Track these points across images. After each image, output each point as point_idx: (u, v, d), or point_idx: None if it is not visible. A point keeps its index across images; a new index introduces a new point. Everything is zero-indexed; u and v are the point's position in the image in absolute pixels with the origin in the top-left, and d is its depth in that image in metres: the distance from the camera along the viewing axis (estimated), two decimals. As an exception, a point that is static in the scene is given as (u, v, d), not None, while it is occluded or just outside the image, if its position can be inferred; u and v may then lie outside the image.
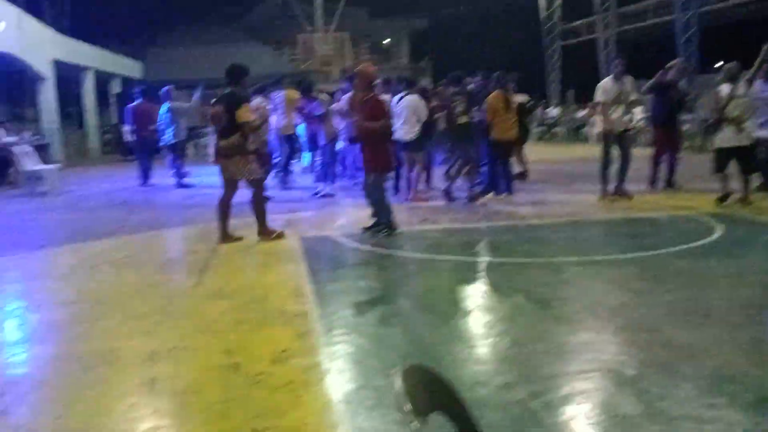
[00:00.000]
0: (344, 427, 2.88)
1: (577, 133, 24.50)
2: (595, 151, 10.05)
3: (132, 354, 3.80)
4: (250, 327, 4.22)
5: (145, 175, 13.04)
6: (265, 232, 7.00)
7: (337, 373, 3.43)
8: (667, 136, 9.79)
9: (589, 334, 3.97)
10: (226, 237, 6.94)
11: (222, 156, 6.82)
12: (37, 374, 3.62)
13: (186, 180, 12.61)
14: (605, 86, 8.79)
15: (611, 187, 8.92)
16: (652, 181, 9.88)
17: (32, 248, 7.14)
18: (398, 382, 1.23)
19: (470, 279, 5.41)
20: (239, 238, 6.99)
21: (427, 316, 4.45)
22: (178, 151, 12.57)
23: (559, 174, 12.86)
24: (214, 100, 7.31)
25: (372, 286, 5.29)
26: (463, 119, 8.92)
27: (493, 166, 9.59)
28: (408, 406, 1.17)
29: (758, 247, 6.35)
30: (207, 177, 14.25)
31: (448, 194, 9.25)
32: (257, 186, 7.00)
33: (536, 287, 4.99)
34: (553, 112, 27.32)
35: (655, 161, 9.87)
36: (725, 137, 8.02)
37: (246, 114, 6.77)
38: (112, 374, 3.51)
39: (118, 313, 4.65)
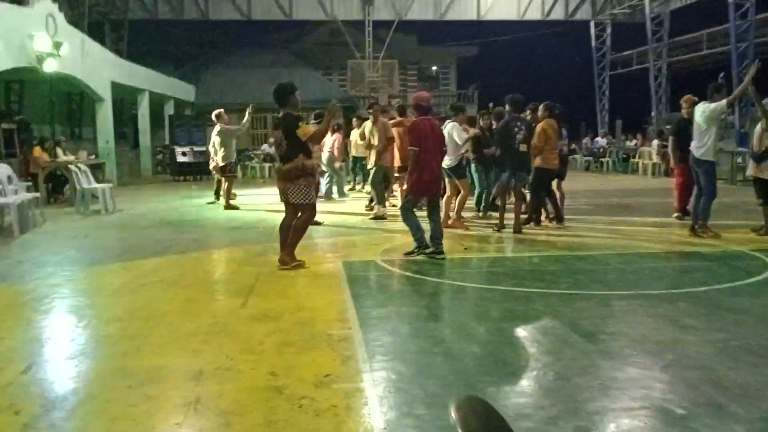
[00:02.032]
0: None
1: (625, 163, 24.14)
2: (641, 182, 9.88)
3: (178, 372, 3.86)
4: (295, 350, 4.25)
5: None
6: (287, 260, 6.83)
7: (380, 400, 3.42)
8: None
9: (637, 370, 3.88)
10: (288, 261, 6.84)
11: (283, 179, 6.81)
12: (85, 389, 3.70)
13: (233, 202, 12.81)
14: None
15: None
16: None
17: (85, 265, 7.34)
18: (453, 412, 1.23)
19: (514, 309, 5.36)
20: (301, 263, 6.87)
21: (470, 345, 4.41)
22: (227, 173, 12.79)
23: (607, 204, 12.68)
24: (273, 125, 7.40)
25: (415, 313, 5.28)
26: (523, 147, 8.82)
27: (537, 195, 9.52)
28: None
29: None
30: (254, 199, 14.51)
31: (500, 223, 9.15)
32: (309, 211, 6.96)
33: (583, 319, 4.91)
34: (601, 141, 27.01)
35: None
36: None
37: (307, 129, 6.77)
38: (158, 392, 3.57)
39: (166, 331, 4.74)
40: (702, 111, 8.21)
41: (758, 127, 8.40)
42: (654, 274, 6.86)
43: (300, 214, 6.87)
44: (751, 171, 8.55)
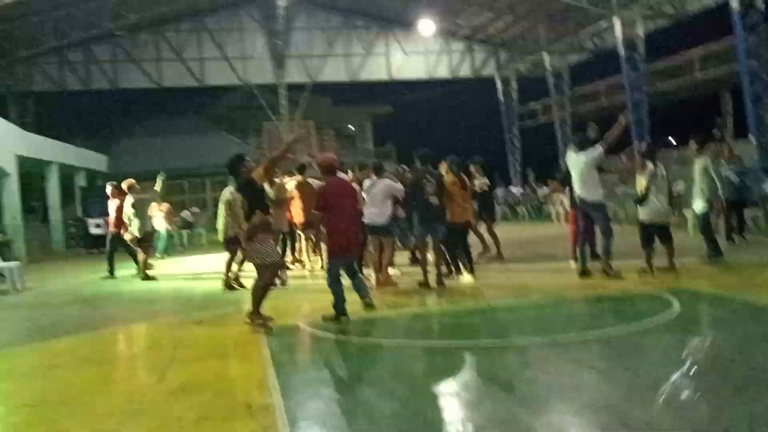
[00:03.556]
0: None
1: (539, 211, 25.01)
2: (555, 228, 10.25)
3: (92, 458, 3.73)
4: (214, 423, 4.18)
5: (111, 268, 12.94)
6: (254, 317, 6.87)
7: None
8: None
9: (552, 416, 4.01)
10: (252, 320, 6.88)
11: (247, 239, 6.84)
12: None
13: (151, 272, 12.53)
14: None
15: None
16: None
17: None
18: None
19: (435, 365, 5.44)
20: (265, 322, 6.86)
21: (393, 404, 4.45)
22: (143, 243, 12.52)
23: (524, 252, 13.06)
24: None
25: (337, 375, 5.29)
26: (433, 200, 8.96)
27: (453, 249, 9.71)
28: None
29: (712, 322, 6.51)
30: (172, 267, 14.22)
31: (424, 277, 9.17)
32: (271, 269, 6.96)
33: (500, 370, 5.05)
34: (515, 190, 27.92)
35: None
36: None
37: (258, 170, 6.94)
38: (71, 480, 3.43)
39: (80, 414, 4.57)
40: (584, 161, 8.66)
41: (638, 176, 8.99)
42: (567, 319, 7.09)
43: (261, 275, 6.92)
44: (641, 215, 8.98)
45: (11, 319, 9.25)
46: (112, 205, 12.91)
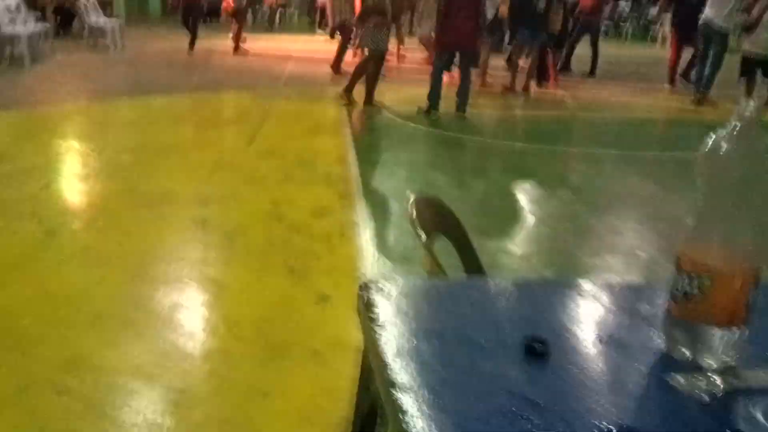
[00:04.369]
0: (371, 270, 3.19)
1: (645, 32, 23.53)
2: (658, 52, 9.78)
3: (187, 197, 4.15)
4: (296, 184, 4.53)
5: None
6: (347, 94, 7.21)
7: (370, 230, 3.72)
8: None
9: (613, 220, 4.17)
10: (349, 95, 7.22)
11: (360, 21, 7.04)
12: (101, 205, 4.01)
13: (244, 46, 12.73)
14: None
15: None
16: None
17: (96, 98, 7.51)
18: (411, 209, 1.46)
19: (508, 162, 5.59)
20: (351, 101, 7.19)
21: (462, 191, 4.68)
22: (238, 17, 12.61)
23: (619, 70, 12.57)
24: None
25: (413, 160, 5.52)
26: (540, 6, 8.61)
27: (543, 55, 9.43)
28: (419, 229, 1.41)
29: None
30: (263, 44, 14.39)
31: (512, 81, 9.06)
32: (378, 57, 7.13)
33: (572, 175, 5.16)
34: (623, 5, 26.14)
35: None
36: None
37: None
38: (169, 212, 3.87)
39: (175, 162, 5.01)
40: None
41: None
42: (649, 137, 7.02)
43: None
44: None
45: (113, 74, 9.74)
46: None
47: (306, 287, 2.95)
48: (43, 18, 13.05)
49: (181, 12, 13.17)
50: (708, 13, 8.27)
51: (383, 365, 0.81)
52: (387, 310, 0.95)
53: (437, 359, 0.84)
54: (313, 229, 3.66)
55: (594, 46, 10.76)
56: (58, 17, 14.57)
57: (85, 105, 7.06)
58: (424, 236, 1.36)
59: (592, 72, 10.78)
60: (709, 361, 0.89)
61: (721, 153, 0.91)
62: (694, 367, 0.87)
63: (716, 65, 8.27)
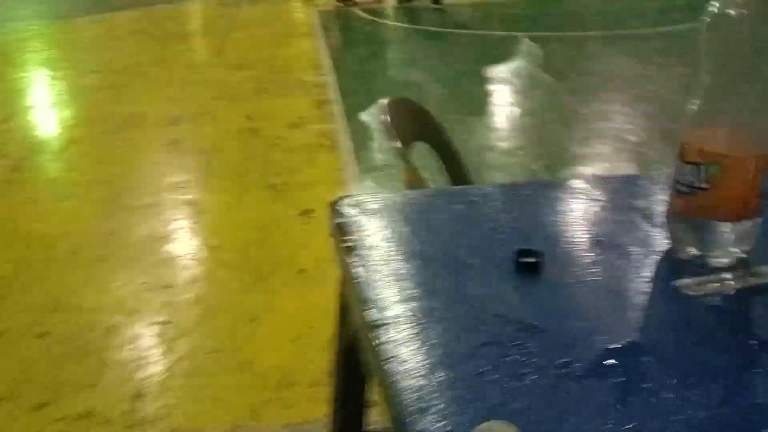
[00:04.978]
0: (351, 182, 3.08)
1: None
2: None
3: (156, 118, 3.98)
4: (270, 96, 4.35)
5: None
6: None
7: (348, 139, 3.58)
8: None
9: (600, 104, 4.04)
10: None
11: None
12: (67, 134, 3.84)
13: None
14: None
15: None
16: None
17: (53, 18, 7.14)
18: (383, 115, 1.33)
19: (487, 53, 5.39)
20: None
21: (443, 87, 4.51)
22: None
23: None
24: None
25: (388, 58, 5.31)
26: None
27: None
28: (394, 138, 1.29)
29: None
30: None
31: None
32: None
33: (555, 61, 4.98)
34: None
35: None
36: None
37: None
38: (138, 135, 3.71)
39: (142, 81, 4.79)
40: None
41: None
42: (634, 12, 6.77)
43: None
44: None
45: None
46: None
47: (288, 203, 2.84)
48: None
49: None
50: None
51: (359, 296, 0.72)
52: (361, 231, 0.84)
53: (418, 286, 0.74)
54: (292, 142, 3.52)
55: None
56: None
57: (41, 27, 6.71)
58: (399, 144, 1.24)
59: None
60: (720, 259, 0.79)
61: (729, 19, 0.77)
62: (703, 267, 0.78)
63: None
